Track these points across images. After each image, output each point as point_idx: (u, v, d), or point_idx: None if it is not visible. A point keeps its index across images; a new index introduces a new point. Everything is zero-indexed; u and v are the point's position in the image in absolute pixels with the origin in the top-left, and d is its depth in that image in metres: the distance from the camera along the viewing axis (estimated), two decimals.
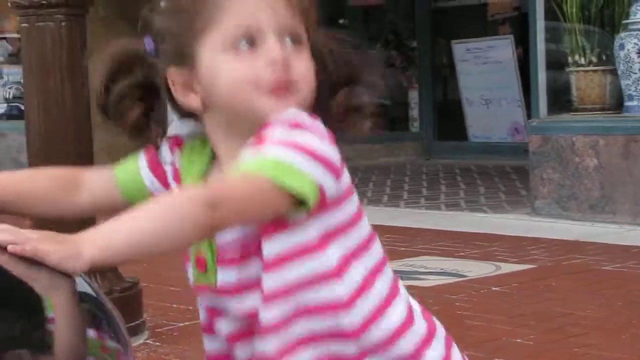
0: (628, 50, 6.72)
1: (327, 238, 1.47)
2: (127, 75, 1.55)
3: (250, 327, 1.49)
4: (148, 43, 1.54)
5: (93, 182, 1.62)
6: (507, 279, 4.99)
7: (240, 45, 1.47)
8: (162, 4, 1.56)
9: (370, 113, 1.60)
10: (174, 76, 1.52)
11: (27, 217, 1.70)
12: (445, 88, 11.95)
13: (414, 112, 11.96)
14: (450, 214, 7.34)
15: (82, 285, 1.30)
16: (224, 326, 1.53)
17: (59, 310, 1.20)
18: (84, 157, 3.90)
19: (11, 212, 1.59)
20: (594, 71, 7.04)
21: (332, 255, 1.47)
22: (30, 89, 3.98)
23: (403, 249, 5.87)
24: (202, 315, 1.58)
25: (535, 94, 7.33)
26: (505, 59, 10.51)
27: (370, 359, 1.51)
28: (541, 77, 7.29)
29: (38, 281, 1.22)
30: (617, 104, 6.94)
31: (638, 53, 6.67)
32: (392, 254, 5.74)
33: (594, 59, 7.04)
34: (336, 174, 1.45)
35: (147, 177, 1.60)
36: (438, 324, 1.62)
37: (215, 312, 1.54)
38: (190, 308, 4.04)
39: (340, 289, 1.47)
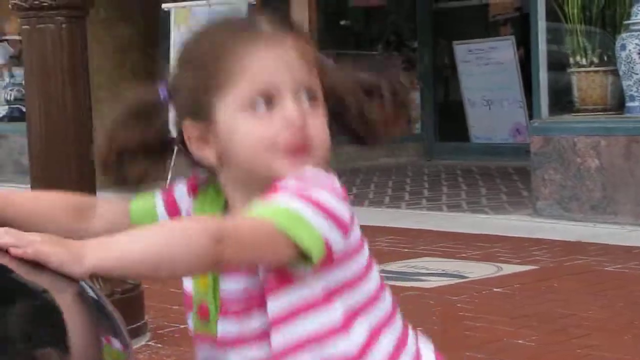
0: (629, 50, 6.71)
1: (333, 293, 1.47)
2: (136, 127, 1.55)
3: None
4: (163, 93, 1.55)
5: (106, 213, 1.62)
6: (508, 280, 4.99)
7: (258, 105, 1.48)
8: (181, 58, 1.56)
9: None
10: (189, 129, 1.52)
11: None
12: (447, 89, 11.95)
13: (416, 114, 11.96)
14: (451, 215, 7.34)
15: (84, 288, 1.30)
16: None
17: (62, 313, 1.20)
18: (85, 158, 3.90)
19: (25, 230, 1.59)
20: (596, 72, 7.04)
21: (337, 310, 1.47)
22: (31, 91, 3.98)
23: (404, 250, 5.87)
24: None
25: (536, 95, 7.33)
26: (507, 60, 10.51)
27: None
28: (543, 77, 7.28)
29: (39, 283, 1.22)
30: (619, 104, 6.93)
31: (639, 54, 6.67)
32: (393, 255, 5.74)
33: (596, 60, 7.04)
34: (344, 230, 1.44)
35: (162, 216, 1.61)
36: None
37: None
38: None
39: (345, 345, 1.47)
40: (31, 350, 1.11)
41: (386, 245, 6.04)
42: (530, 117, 7.84)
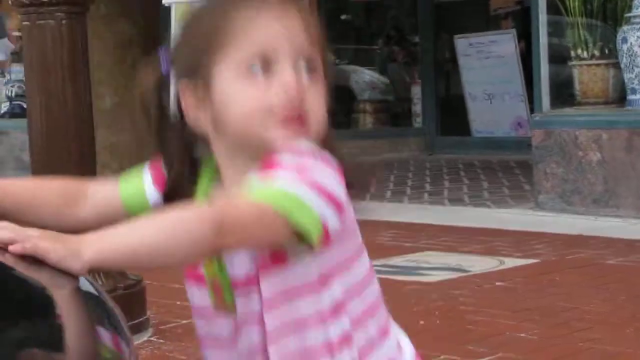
0: (631, 43, 6.71)
1: (328, 275, 1.46)
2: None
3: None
4: (164, 63, 1.54)
5: (96, 195, 1.62)
6: (510, 273, 4.99)
7: (254, 70, 1.46)
8: (184, 26, 1.55)
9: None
10: (185, 94, 1.51)
11: (29, 225, 1.70)
12: (448, 83, 11.94)
13: (417, 108, 11.96)
14: (453, 209, 7.34)
15: (84, 284, 1.30)
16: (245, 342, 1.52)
17: (58, 308, 1.19)
18: (86, 155, 3.90)
19: (15, 219, 1.59)
20: (597, 65, 7.03)
21: (331, 292, 1.46)
22: (32, 87, 3.98)
23: (406, 244, 5.87)
24: (200, 326, 1.56)
25: (538, 88, 7.33)
26: (508, 54, 10.50)
27: None
28: (544, 71, 7.28)
29: (38, 279, 1.22)
30: (620, 97, 6.93)
31: None
32: (395, 249, 5.74)
33: (597, 53, 7.04)
34: (341, 211, 1.43)
35: (151, 193, 1.59)
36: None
37: (226, 344, 1.52)
38: None
39: (333, 330, 1.47)
40: (27, 346, 1.11)
41: (388, 239, 6.04)
42: (532, 110, 7.85)
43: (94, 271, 3.87)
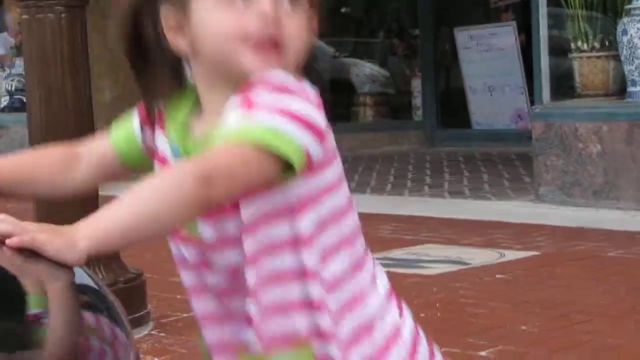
0: (631, 35, 6.70)
1: (307, 202, 1.46)
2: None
3: (236, 284, 1.49)
4: None
5: (90, 153, 1.62)
6: (511, 266, 4.99)
7: None
8: None
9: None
10: (166, 16, 1.51)
11: (30, 199, 1.69)
12: (448, 76, 11.94)
13: (417, 101, 11.95)
14: (454, 202, 7.34)
15: (83, 277, 1.30)
16: (214, 280, 1.52)
17: (54, 301, 1.19)
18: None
19: (13, 195, 1.59)
20: (597, 57, 7.03)
21: (308, 219, 1.46)
22: (32, 81, 3.98)
23: (407, 237, 5.87)
24: (189, 277, 1.56)
25: (538, 81, 7.32)
26: (508, 46, 10.49)
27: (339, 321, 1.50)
28: (544, 63, 7.28)
29: (35, 272, 1.22)
30: (620, 89, 6.93)
31: None
32: (396, 242, 5.73)
33: (597, 45, 7.03)
34: (320, 137, 1.43)
35: (139, 132, 1.60)
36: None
37: (203, 264, 1.52)
38: None
39: (309, 257, 1.47)
40: (25, 341, 1.11)
41: (388, 232, 6.04)
42: (532, 102, 7.85)
43: (95, 263, 3.87)
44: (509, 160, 9.38)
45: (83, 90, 3.93)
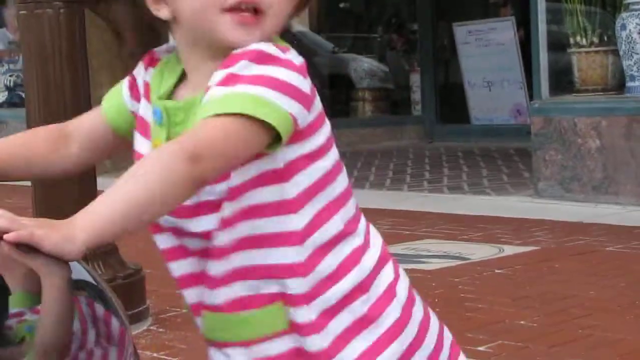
0: (630, 30, 6.70)
1: (295, 167, 1.45)
2: None
3: (210, 245, 1.48)
4: None
5: (81, 128, 1.61)
6: (510, 261, 4.99)
7: None
8: None
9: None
10: None
11: (26, 179, 1.68)
12: (447, 71, 11.94)
13: (416, 96, 11.96)
14: (453, 197, 7.34)
15: (82, 273, 1.30)
16: (191, 245, 1.51)
17: (52, 296, 1.19)
18: None
19: (8, 177, 1.58)
20: (596, 52, 7.02)
21: (296, 185, 1.45)
22: (30, 77, 3.97)
23: (406, 232, 5.87)
24: (166, 241, 1.55)
25: (537, 76, 7.32)
26: (507, 41, 10.49)
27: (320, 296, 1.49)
28: (543, 58, 7.27)
29: (33, 268, 1.21)
30: (619, 84, 6.93)
31: None
32: (395, 237, 5.73)
33: (596, 40, 7.03)
34: (307, 104, 1.42)
35: (129, 103, 1.59)
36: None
37: (180, 233, 1.51)
38: None
39: (296, 221, 1.46)
40: (21, 336, 1.11)
41: (388, 227, 6.04)
42: (531, 97, 7.84)
43: (93, 258, 3.87)
44: (508, 156, 9.38)
45: (81, 86, 3.92)
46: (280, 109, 1.37)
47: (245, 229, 1.45)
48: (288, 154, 1.44)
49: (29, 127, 3.98)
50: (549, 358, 3.44)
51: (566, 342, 3.61)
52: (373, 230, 1.59)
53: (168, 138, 1.47)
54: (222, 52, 1.44)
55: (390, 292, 1.55)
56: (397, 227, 6.07)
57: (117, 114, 1.59)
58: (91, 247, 1.26)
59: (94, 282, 1.32)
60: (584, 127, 6.63)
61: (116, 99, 1.60)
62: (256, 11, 1.44)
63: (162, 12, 1.49)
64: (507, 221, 6.11)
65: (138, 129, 1.55)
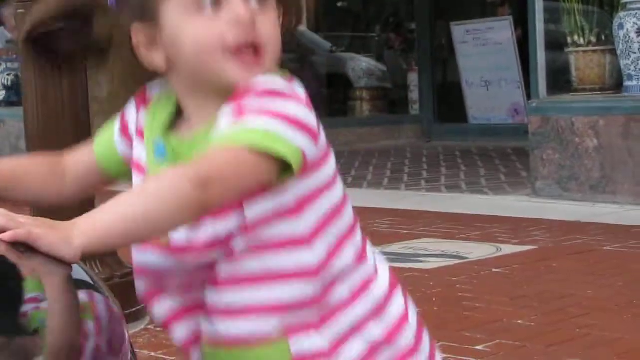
0: (627, 29, 6.70)
1: (304, 202, 1.45)
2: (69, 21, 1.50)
3: (204, 278, 1.47)
4: None
5: (76, 162, 1.62)
6: (508, 260, 4.99)
7: (204, 4, 1.43)
8: None
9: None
10: (138, 33, 1.49)
11: (18, 203, 1.69)
12: (445, 70, 11.95)
13: (414, 95, 11.96)
14: (450, 196, 7.34)
15: (78, 272, 1.29)
16: (176, 279, 1.50)
17: (49, 296, 1.19)
18: (83, 143, 3.89)
19: (5, 197, 1.58)
20: (593, 51, 7.02)
21: (307, 219, 1.45)
22: (28, 75, 3.97)
23: (404, 231, 5.87)
24: (148, 283, 1.54)
25: (534, 75, 7.32)
26: (505, 40, 10.50)
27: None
28: (540, 57, 7.28)
29: (30, 267, 1.21)
30: (617, 84, 6.93)
31: (637, 32, 6.66)
32: (393, 237, 5.71)
33: (593, 39, 7.03)
34: (314, 137, 1.43)
35: (120, 144, 1.59)
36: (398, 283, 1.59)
37: (167, 270, 1.50)
38: None
39: (309, 256, 1.46)
40: (17, 334, 1.11)
41: (385, 226, 6.04)
42: (529, 97, 7.84)
43: (91, 257, 3.87)
44: (505, 155, 9.38)
45: (79, 85, 3.92)
46: (291, 143, 1.37)
47: (256, 264, 1.45)
48: (297, 188, 1.44)
49: (27, 126, 3.98)
50: (546, 357, 3.44)
51: (564, 341, 3.61)
52: (379, 256, 1.59)
53: None
54: (225, 91, 1.43)
55: (404, 318, 1.55)
56: (395, 226, 6.07)
57: (107, 156, 1.59)
58: (88, 251, 1.26)
59: (90, 281, 1.32)
60: (582, 126, 6.64)
61: (107, 140, 1.60)
62: (255, 49, 1.44)
63: (157, 59, 1.48)
64: (505, 220, 6.11)
65: (133, 168, 1.55)
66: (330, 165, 1.50)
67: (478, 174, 8.37)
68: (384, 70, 12.91)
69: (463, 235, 5.68)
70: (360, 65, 12.82)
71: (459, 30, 10.99)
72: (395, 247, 5.35)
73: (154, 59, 1.49)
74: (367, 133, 11.30)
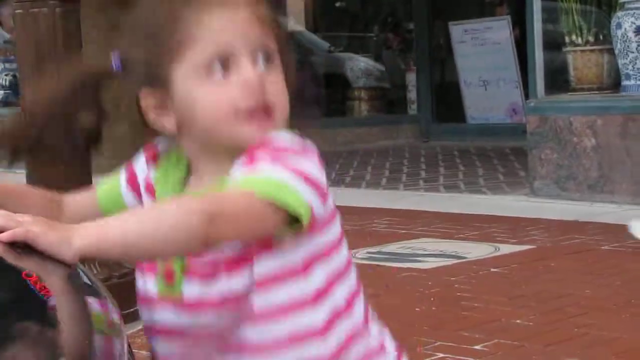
0: (625, 29, 6.70)
1: (312, 261, 1.46)
2: (80, 98, 1.52)
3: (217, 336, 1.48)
4: (116, 62, 1.52)
5: (76, 204, 1.61)
6: (506, 260, 4.99)
7: (214, 69, 1.45)
8: (131, 26, 1.53)
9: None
10: (147, 97, 1.50)
11: None
12: (443, 70, 11.94)
13: (412, 95, 11.96)
14: (449, 196, 7.34)
15: (75, 271, 1.29)
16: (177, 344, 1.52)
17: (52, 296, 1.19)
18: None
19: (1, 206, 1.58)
20: (591, 51, 7.03)
21: (315, 279, 1.46)
22: (26, 76, 3.96)
23: (402, 231, 5.87)
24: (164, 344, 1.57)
25: (532, 75, 7.32)
26: (503, 40, 10.50)
27: None
28: (538, 57, 7.28)
29: (28, 266, 1.21)
30: (615, 83, 6.93)
31: (635, 32, 6.66)
32: (391, 237, 5.72)
33: (591, 39, 7.03)
34: (323, 197, 1.44)
35: (127, 195, 1.59)
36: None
37: (178, 328, 1.52)
38: None
39: (318, 316, 1.47)
40: (17, 335, 1.11)
41: (384, 226, 6.04)
42: (527, 96, 7.84)
43: (88, 260, 3.86)
44: (503, 155, 9.38)
45: None
46: (302, 197, 1.39)
47: (273, 327, 1.46)
48: (305, 249, 1.45)
49: None
50: (544, 357, 3.44)
51: (562, 340, 3.61)
52: (387, 336, 1.60)
53: None
54: (238, 150, 1.45)
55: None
56: (394, 226, 6.07)
57: (112, 205, 1.59)
58: (86, 255, 1.26)
59: (88, 281, 1.32)
60: (580, 126, 6.64)
61: (113, 190, 1.60)
62: (266, 110, 1.46)
63: (167, 123, 1.49)
64: (503, 220, 6.11)
65: None
66: (336, 228, 1.51)
67: (476, 173, 8.37)
68: (382, 70, 12.91)
69: (461, 235, 5.68)
70: (359, 65, 12.82)
71: (457, 30, 10.99)
72: (393, 247, 5.35)
73: (165, 122, 1.50)
74: (365, 133, 11.30)
